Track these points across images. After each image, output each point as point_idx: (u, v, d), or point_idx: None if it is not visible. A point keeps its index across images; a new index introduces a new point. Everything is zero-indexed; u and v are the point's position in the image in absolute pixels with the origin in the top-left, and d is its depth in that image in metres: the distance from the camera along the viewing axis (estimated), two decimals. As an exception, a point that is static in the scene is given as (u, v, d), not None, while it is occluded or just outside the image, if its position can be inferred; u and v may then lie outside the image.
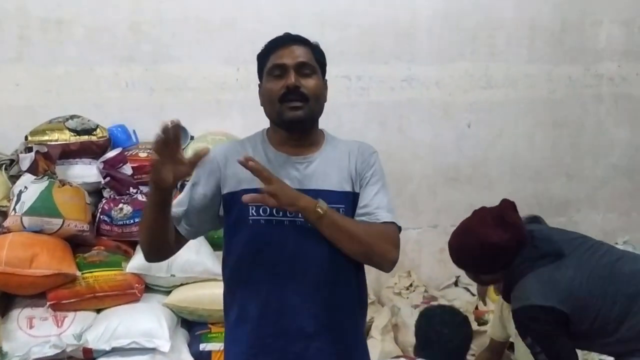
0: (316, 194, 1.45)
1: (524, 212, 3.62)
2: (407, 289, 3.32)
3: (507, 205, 2.14)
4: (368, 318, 3.00)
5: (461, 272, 3.56)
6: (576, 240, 2.07)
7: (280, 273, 1.46)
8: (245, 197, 1.38)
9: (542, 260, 1.94)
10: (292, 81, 1.44)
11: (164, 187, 1.32)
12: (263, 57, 1.53)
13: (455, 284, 3.51)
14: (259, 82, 1.56)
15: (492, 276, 2.09)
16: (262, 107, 1.55)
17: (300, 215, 1.44)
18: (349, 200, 1.50)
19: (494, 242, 1.96)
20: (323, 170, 1.50)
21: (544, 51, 3.61)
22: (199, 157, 1.32)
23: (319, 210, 1.40)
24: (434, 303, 3.00)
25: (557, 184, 3.76)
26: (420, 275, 3.54)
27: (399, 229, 1.52)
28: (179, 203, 1.54)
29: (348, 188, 1.50)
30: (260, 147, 1.55)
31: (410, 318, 2.90)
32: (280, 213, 1.46)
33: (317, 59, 1.53)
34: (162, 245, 1.48)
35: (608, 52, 3.71)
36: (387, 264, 1.48)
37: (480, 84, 3.55)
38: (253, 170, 1.36)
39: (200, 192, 1.52)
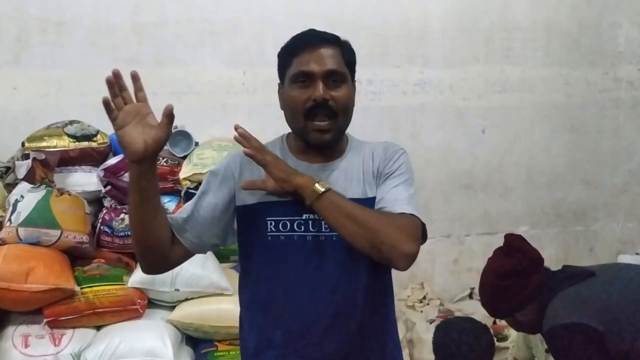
0: None
1: (540, 219, 3.57)
2: (421, 301, 3.19)
3: (510, 237, 2.11)
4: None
5: (475, 284, 3.47)
6: (609, 264, 1.98)
7: (303, 295, 1.32)
8: (244, 184, 1.29)
9: (570, 281, 1.88)
10: (321, 94, 1.29)
11: (135, 156, 1.17)
12: (286, 58, 1.36)
13: (470, 296, 3.38)
14: (279, 82, 1.42)
15: (526, 312, 1.94)
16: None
17: (323, 229, 1.31)
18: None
19: (507, 269, 1.93)
20: (345, 176, 1.37)
21: (560, 54, 3.50)
22: (168, 114, 1.19)
23: (317, 187, 1.25)
24: (450, 317, 2.86)
25: (575, 192, 3.65)
26: (434, 287, 3.41)
27: (423, 225, 1.32)
28: (181, 210, 1.41)
29: (373, 194, 1.35)
30: (278, 154, 1.40)
31: (426, 333, 2.77)
32: (302, 228, 1.32)
33: (346, 61, 1.37)
34: (153, 246, 1.30)
35: (627, 55, 3.60)
36: (399, 257, 1.23)
37: (495, 88, 3.44)
38: (242, 138, 1.27)
39: (210, 201, 1.37)
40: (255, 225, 1.35)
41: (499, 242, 3.47)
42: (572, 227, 3.65)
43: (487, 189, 3.50)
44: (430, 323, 2.88)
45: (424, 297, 3.21)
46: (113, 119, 1.18)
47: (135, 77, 1.20)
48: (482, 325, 2.18)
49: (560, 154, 3.56)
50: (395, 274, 3.74)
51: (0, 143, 2.77)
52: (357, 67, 3.39)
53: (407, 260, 1.24)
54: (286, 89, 1.36)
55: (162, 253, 1.33)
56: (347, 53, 1.38)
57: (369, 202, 1.33)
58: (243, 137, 1.28)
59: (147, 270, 1.42)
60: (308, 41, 1.34)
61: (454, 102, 3.39)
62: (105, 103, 1.16)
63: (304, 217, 1.32)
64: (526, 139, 3.51)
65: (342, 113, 1.33)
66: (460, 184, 3.47)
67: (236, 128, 1.28)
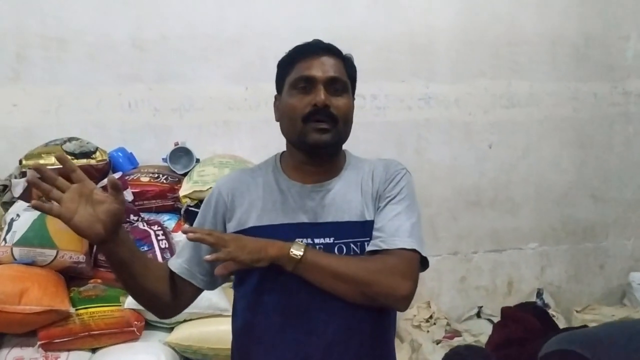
0: (336, 227, 1.26)
1: (549, 236, 3.48)
2: (427, 321, 3.10)
3: (505, 309, 2.10)
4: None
5: (483, 302, 3.40)
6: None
7: (295, 326, 1.25)
8: (207, 258, 1.17)
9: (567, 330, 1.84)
10: (322, 99, 1.24)
11: (99, 238, 1.12)
12: (286, 65, 1.32)
13: (478, 315, 3.30)
14: (276, 94, 1.37)
15: None
16: (273, 127, 1.36)
17: None
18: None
19: (502, 340, 1.91)
20: (342, 198, 1.30)
21: (568, 68, 3.43)
22: (113, 186, 1.12)
23: (294, 254, 1.17)
24: (458, 338, 2.78)
25: (584, 207, 3.56)
26: (441, 306, 3.33)
27: (423, 259, 1.27)
28: (180, 252, 1.35)
29: (371, 217, 1.28)
30: (271, 176, 1.35)
31: (432, 355, 2.69)
32: None
33: (348, 74, 1.33)
34: (155, 302, 1.29)
35: (636, 69, 3.53)
36: (397, 302, 1.20)
37: (502, 103, 3.37)
38: (197, 240, 1.18)
39: None
40: None
41: (507, 259, 3.47)
42: (582, 243, 3.57)
43: (494, 205, 3.43)
44: (437, 344, 2.80)
45: (431, 317, 3.13)
46: (57, 215, 1.10)
47: (61, 160, 1.14)
48: (488, 353, 2.13)
49: (569, 169, 3.49)
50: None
51: (0, 160, 2.74)
52: (362, 82, 3.31)
53: (406, 302, 1.21)
54: (284, 97, 1.31)
55: (166, 302, 1.30)
56: (349, 67, 1.34)
57: (367, 226, 1.27)
58: (197, 236, 1.18)
59: (161, 317, 1.40)
60: (312, 49, 1.30)
61: (460, 117, 3.33)
62: (36, 206, 1.09)
63: (296, 241, 1.24)
64: (534, 154, 3.43)
65: (342, 121, 1.28)
66: (467, 200, 3.39)
67: (185, 232, 1.19)
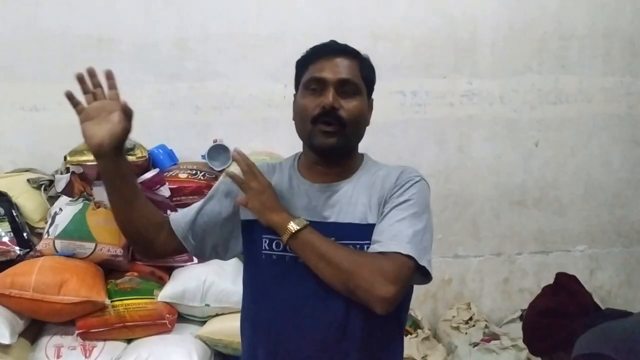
0: (336, 228, 1.25)
1: (599, 239, 3.33)
2: (466, 322, 3.03)
3: (563, 276, 2.00)
4: (421, 355, 2.76)
5: (527, 305, 3.28)
6: None
7: (287, 319, 1.27)
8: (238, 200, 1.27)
9: (604, 320, 1.73)
10: (330, 101, 1.24)
11: (94, 150, 1.22)
12: (302, 65, 1.33)
13: (521, 318, 3.19)
14: (294, 92, 1.38)
15: (562, 355, 1.81)
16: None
17: None
18: None
19: (550, 308, 1.84)
20: (348, 200, 1.29)
21: (621, 62, 3.27)
22: (124, 109, 1.22)
23: (292, 226, 1.20)
24: (495, 342, 2.71)
25: (638, 209, 3.39)
26: (482, 308, 3.25)
27: (420, 268, 1.19)
28: (188, 210, 1.40)
29: (374, 220, 1.26)
30: (286, 172, 1.38)
31: (468, 357, 2.64)
32: None
33: (363, 76, 1.31)
34: (135, 234, 1.34)
35: (694, 62, 3.32)
36: (375, 301, 1.15)
37: (550, 99, 3.25)
38: (238, 157, 1.27)
39: (214, 208, 1.38)
40: (253, 241, 1.32)
41: (554, 261, 3.34)
42: (634, 247, 3.39)
43: (540, 205, 3.30)
44: (474, 347, 2.73)
45: (470, 318, 3.05)
46: (78, 112, 1.24)
47: (108, 75, 1.27)
48: None
49: (621, 168, 3.32)
50: (442, 293, 3.57)
51: (49, 156, 2.85)
52: (402, 78, 3.29)
53: (384, 304, 1.15)
54: (297, 97, 1.33)
55: (148, 242, 1.36)
56: (365, 68, 1.33)
57: (368, 230, 1.25)
58: (239, 157, 1.26)
59: (140, 254, 1.50)
60: (326, 50, 1.31)
61: (504, 113, 3.22)
62: (68, 96, 1.24)
63: None
64: (583, 152, 3.29)
65: (350, 124, 1.26)
66: (511, 199, 3.29)
67: (235, 150, 1.27)
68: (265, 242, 1.30)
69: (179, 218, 1.38)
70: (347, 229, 1.25)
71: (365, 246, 1.23)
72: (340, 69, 1.27)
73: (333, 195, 1.30)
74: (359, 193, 1.29)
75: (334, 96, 1.25)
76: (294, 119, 1.35)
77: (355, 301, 1.21)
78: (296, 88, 1.36)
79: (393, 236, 1.20)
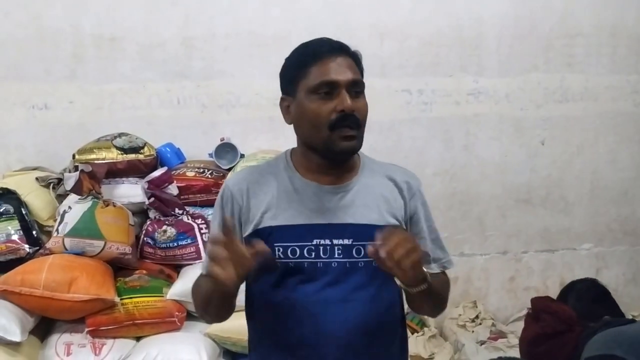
0: (355, 229, 1.24)
1: (605, 237, 3.34)
2: (473, 321, 3.03)
3: (534, 300, 2.05)
4: (428, 353, 2.77)
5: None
6: None
7: (311, 326, 1.25)
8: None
9: (611, 325, 1.75)
10: (349, 104, 1.21)
11: (228, 288, 1.12)
12: (299, 67, 1.26)
13: (527, 316, 3.19)
14: (282, 96, 1.32)
15: None
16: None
17: (336, 256, 1.23)
18: None
19: (538, 334, 1.86)
20: (362, 201, 1.28)
21: (628, 60, 3.26)
22: (261, 252, 1.13)
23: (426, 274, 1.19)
24: (502, 340, 2.71)
25: (644, 207, 3.39)
26: (488, 306, 3.25)
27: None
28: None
29: (393, 221, 1.27)
30: (284, 174, 1.31)
31: (475, 356, 2.64)
32: (312, 254, 1.23)
33: (361, 72, 1.29)
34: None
35: (701, 61, 3.31)
36: None
37: (556, 97, 3.24)
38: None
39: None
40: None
41: (560, 260, 3.34)
42: (641, 246, 3.40)
43: (546, 204, 3.31)
44: (481, 345, 2.74)
45: (477, 317, 3.06)
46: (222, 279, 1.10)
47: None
48: None
49: (627, 166, 3.32)
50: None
51: (57, 155, 2.87)
52: (408, 77, 3.30)
53: None
54: (303, 101, 1.25)
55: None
56: (359, 63, 1.30)
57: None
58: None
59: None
60: (324, 50, 1.25)
61: (510, 112, 3.22)
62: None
63: (314, 242, 1.24)
64: (589, 150, 3.29)
65: (363, 124, 1.26)
66: (518, 198, 3.29)
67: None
68: (279, 250, 1.24)
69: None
70: (366, 230, 1.23)
71: None
72: (345, 68, 1.23)
73: (345, 196, 1.29)
74: (370, 193, 1.29)
75: (350, 98, 1.22)
76: (293, 123, 1.30)
77: (374, 303, 1.24)
78: (290, 92, 1.29)
79: (446, 254, 1.40)
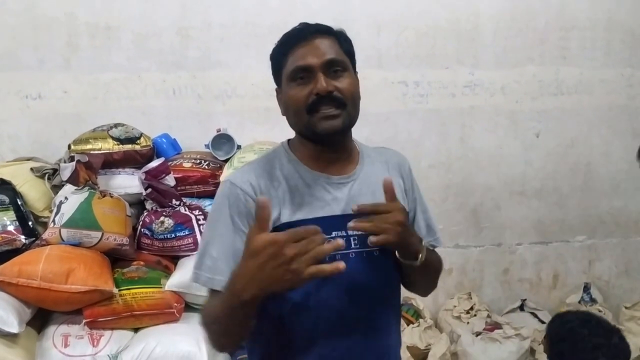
0: (368, 217, 1.21)
1: (598, 229, 3.37)
2: (468, 312, 3.05)
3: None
4: (425, 344, 2.79)
5: (527, 295, 3.32)
6: None
7: (336, 321, 1.23)
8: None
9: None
10: (323, 86, 1.17)
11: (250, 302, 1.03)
12: (279, 57, 1.24)
13: (521, 307, 3.23)
14: (276, 87, 1.31)
15: None
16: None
17: (352, 247, 1.22)
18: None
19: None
20: (369, 189, 1.27)
21: (622, 54, 3.28)
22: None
23: (424, 244, 1.26)
24: (498, 330, 2.73)
25: (636, 200, 3.42)
26: (482, 298, 3.28)
27: None
28: (215, 270, 1.18)
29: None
30: (289, 166, 1.27)
31: (471, 347, 2.66)
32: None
33: (345, 51, 1.24)
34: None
35: (695, 54, 3.34)
36: None
37: (550, 90, 3.26)
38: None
39: (238, 245, 1.15)
40: None
41: (553, 252, 3.37)
42: (633, 237, 3.43)
43: (540, 196, 3.33)
44: (477, 336, 2.76)
45: (471, 308, 3.08)
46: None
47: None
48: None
49: (620, 159, 3.34)
50: (442, 282, 3.60)
51: (51, 145, 2.85)
52: (404, 69, 3.29)
53: None
54: (285, 90, 1.23)
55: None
56: (344, 42, 1.26)
57: None
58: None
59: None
60: (301, 34, 1.22)
61: (506, 104, 3.24)
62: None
63: (332, 234, 1.20)
64: (583, 143, 3.31)
65: (350, 103, 1.22)
66: (512, 190, 3.31)
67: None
68: None
69: (222, 281, 1.14)
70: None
71: None
72: (322, 50, 1.20)
73: (354, 185, 1.27)
74: (374, 180, 1.27)
75: (325, 80, 1.18)
76: (285, 114, 1.27)
77: (379, 295, 1.26)
78: (277, 82, 1.28)
79: (437, 231, 1.43)
